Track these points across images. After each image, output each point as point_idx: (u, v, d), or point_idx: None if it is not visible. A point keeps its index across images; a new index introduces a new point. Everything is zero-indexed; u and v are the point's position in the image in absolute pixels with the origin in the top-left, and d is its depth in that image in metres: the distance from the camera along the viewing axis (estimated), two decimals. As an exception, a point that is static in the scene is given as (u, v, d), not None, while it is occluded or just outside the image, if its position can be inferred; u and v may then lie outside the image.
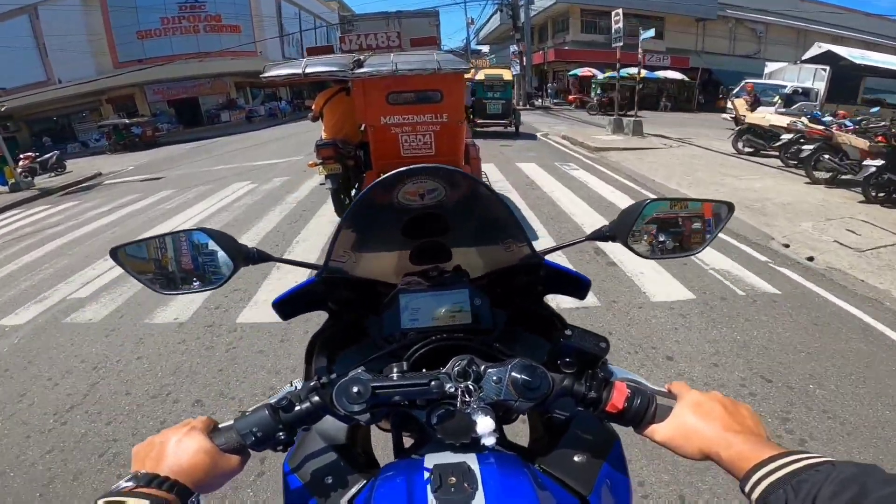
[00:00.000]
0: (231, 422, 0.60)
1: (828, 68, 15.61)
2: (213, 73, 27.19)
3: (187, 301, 3.84)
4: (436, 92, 4.57)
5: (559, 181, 7.37)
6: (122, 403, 2.68)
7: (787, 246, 4.68)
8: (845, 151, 6.77)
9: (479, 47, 37.83)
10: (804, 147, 7.16)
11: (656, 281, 3.80)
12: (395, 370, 0.63)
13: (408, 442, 0.74)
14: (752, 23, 28.46)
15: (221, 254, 0.74)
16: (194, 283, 0.76)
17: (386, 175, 0.73)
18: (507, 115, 13.13)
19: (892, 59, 16.44)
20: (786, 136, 8.16)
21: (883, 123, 6.95)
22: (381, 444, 0.85)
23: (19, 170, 13.46)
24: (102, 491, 0.47)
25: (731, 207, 0.82)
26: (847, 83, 16.64)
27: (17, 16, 23.90)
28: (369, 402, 0.58)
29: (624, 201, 5.87)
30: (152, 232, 6.24)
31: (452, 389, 0.59)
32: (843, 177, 6.79)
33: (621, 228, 0.79)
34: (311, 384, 0.61)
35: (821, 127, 7.39)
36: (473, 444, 0.59)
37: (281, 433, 0.59)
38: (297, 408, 0.60)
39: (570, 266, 0.97)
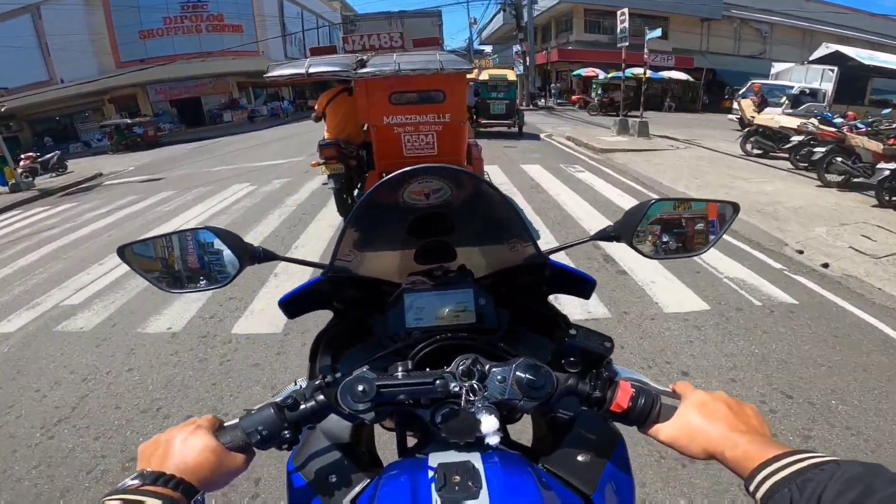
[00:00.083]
0: (236, 420, 0.60)
1: (836, 69, 15.42)
2: (216, 73, 27.13)
3: (181, 309, 3.72)
4: (438, 92, 4.57)
5: (565, 184, 7.22)
6: (111, 418, 2.58)
7: (800, 252, 4.54)
8: (858, 154, 6.63)
9: (482, 47, 37.74)
10: (816, 149, 7.01)
11: (669, 290, 3.65)
12: (399, 369, 0.62)
13: (411, 441, 0.74)
14: (758, 23, 28.25)
15: (227, 252, 0.74)
16: (200, 282, 0.76)
17: (392, 174, 0.73)
18: (510, 115, 13.14)
19: (901, 59, 16.21)
20: (796, 138, 8.00)
21: (896, 126, 6.82)
22: (385, 444, 0.84)
23: (20, 170, 13.42)
24: None
25: (736, 208, 0.81)
26: (855, 84, 16.47)
27: (19, 15, 23.89)
28: (374, 401, 0.58)
29: (631, 205, 5.63)
30: (148, 235, 6.20)
31: (457, 388, 0.59)
32: (855, 180, 6.65)
33: (626, 229, 0.78)
34: (317, 383, 0.61)
35: (833, 129, 7.24)
36: (477, 444, 0.59)
37: (286, 432, 0.59)
38: (303, 406, 0.60)
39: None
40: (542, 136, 13.64)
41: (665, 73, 24.12)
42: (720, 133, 13.25)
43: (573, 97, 25.03)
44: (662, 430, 0.57)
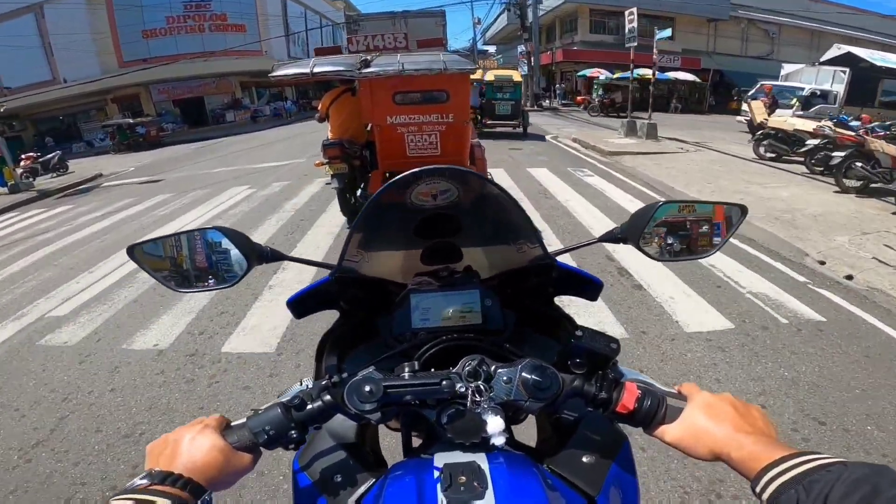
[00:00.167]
0: (243, 420, 0.60)
1: (847, 70, 15.13)
2: (219, 73, 27.00)
3: (169, 324, 3.53)
4: (442, 92, 4.60)
5: (573, 189, 6.98)
6: (92, 442, 2.43)
7: (822, 263, 4.33)
8: (877, 159, 6.40)
9: (486, 47, 37.57)
10: (834, 154, 6.76)
11: (689, 308, 3.42)
12: (406, 370, 0.62)
13: (416, 441, 0.74)
14: (765, 23, 27.97)
15: (235, 252, 0.74)
16: (209, 281, 0.76)
17: (400, 175, 0.73)
18: (515, 116, 13.16)
19: (914, 60, 15.90)
20: (812, 142, 7.75)
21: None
22: (389, 444, 0.84)
23: (20, 170, 13.32)
24: None
25: (744, 210, 0.81)
26: (866, 86, 16.20)
27: (22, 14, 23.86)
28: (381, 402, 0.58)
29: (643, 211, 5.46)
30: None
31: (463, 389, 0.59)
32: (874, 185, 6.42)
33: (633, 231, 0.78)
34: (323, 383, 0.61)
35: (851, 133, 7.00)
36: (483, 444, 0.60)
37: (293, 432, 0.58)
38: (309, 406, 0.60)
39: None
40: (547, 137, 13.44)
41: (671, 74, 23.83)
42: (730, 135, 13.00)
43: (578, 98, 24.74)
44: (668, 431, 0.57)
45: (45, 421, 2.62)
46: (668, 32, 11.00)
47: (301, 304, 0.84)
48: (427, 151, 4.80)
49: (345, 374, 0.61)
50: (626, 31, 11.24)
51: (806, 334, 3.14)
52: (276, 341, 3.13)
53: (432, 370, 0.65)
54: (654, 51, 11.17)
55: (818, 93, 15.06)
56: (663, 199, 0.80)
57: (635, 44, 11.09)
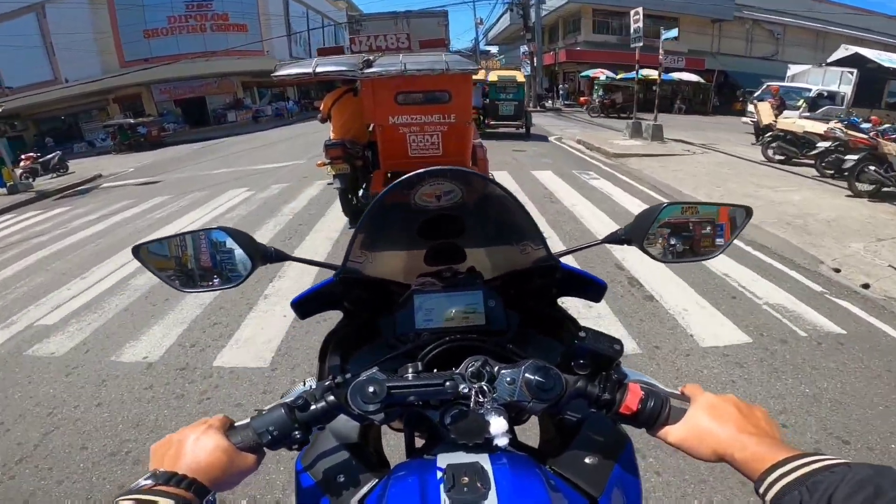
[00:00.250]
0: (247, 420, 0.60)
1: (855, 71, 14.94)
2: (220, 73, 26.92)
3: (160, 335, 3.39)
4: (444, 92, 4.62)
5: (579, 192, 6.81)
6: (77, 459, 2.32)
7: (837, 271, 4.19)
8: (890, 162, 6.24)
9: (488, 48, 37.44)
10: (847, 157, 6.60)
11: (703, 320, 3.26)
12: (409, 370, 0.62)
13: (419, 442, 0.74)
14: (770, 24, 27.75)
15: (239, 252, 0.74)
16: (213, 281, 0.77)
17: (405, 176, 0.73)
18: (518, 116, 13.19)
19: (921, 61, 15.70)
20: (822, 144, 7.59)
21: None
22: (392, 444, 0.84)
23: (20, 170, 13.25)
24: None
25: (748, 212, 0.81)
26: (873, 87, 16.01)
27: (24, 14, 23.80)
28: (384, 402, 0.58)
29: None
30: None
31: (466, 390, 0.59)
32: (886, 189, 6.28)
33: (637, 232, 0.78)
34: (327, 383, 0.61)
35: (864, 136, 6.84)
36: (486, 445, 0.59)
37: (297, 432, 0.58)
38: (313, 407, 0.59)
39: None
40: (551, 138, 13.32)
41: (675, 75, 23.65)
42: (735, 137, 12.84)
43: (581, 99, 24.56)
44: (671, 432, 0.57)
45: (29, 436, 2.52)
46: (674, 33, 10.83)
47: (305, 305, 0.84)
48: (429, 152, 4.81)
49: (348, 375, 0.61)
50: (632, 31, 11.09)
51: (826, 348, 3.00)
52: (270, 355, 2.99)
53: (435, 371, 0.65)
54: (661, 51, 11.01)
55: (825, 94, 14.87)
56: (667, 201, 0.80)
57: (641, 44, 10.94)
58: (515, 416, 0.67)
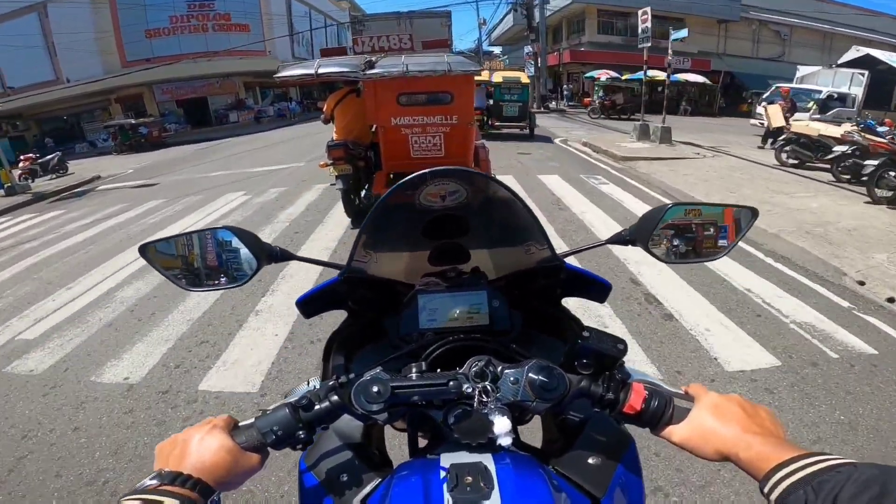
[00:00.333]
0: (252, 420, 0.59)
1: (866, 73, 14.68)
2: (222, 73, 26.80)
3: (143, 354, 3.17)
4: (446, 94, 4.61)
5: (588, 198, 6.56)
6: (51, 488, 2.19)
7: (862, 283, 3.96)
8: (910, 168, 5.99)
9: (492, 48, 37.26)
10: (866, 162, 6.35)
11: (728, 341, 3.02)
12: (413, 370, 0.62)
13: (422, 442, 0.74)
14: (776, 25, 27.45)
15: (245, 251, 0.74)
16: (220, 280, 0.77)
17: (410, 176, 0.73)
18: (523, 117, 13.15)
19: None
20: (839, 149, 7.33)
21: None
22: (393, 444, 0.83)
23: (18, 171, 13.10)
24: None
25: (754, 213, 0.80)
26: (883, 88, 15.75)
27: (26, 14, 23.71)
28: (388, 402, 0.58)
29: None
30: (120, 255, 5.44)
31: (470, 390, 0.59)
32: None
33: (641, 232, 0.78)
34: (331, 383, 0.61)
35: (883, 140, 6.59)
36: (489, 445, 0.59)
37: (301, 432, 0.58)
38: (317, 407, 0.59)
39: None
40: (556, 140, 13.11)
41: (681, 76, 23.38)
42: (744, 139, 12.61)
43: (586, 100, 24.31)
44: (675, 431, 0.56)
45: (3, 460, 2.37)
46: (684, 33, 10.57)
47: (310, 304, 0.84)
48: (431, 153, 4.80)
49: (352, 375, 0.61)
50: (640, 30, 10.86)
51: (859, 370, 2.79)
52: (259, 379, 2.76)
53: (439, 371, 0.65)
54: (669, 52, 10.76)
55: (835, 96, 14.62)
56: (671, 202, 0.79)
57: (648, 44, 10.71)
58: (519, 415, 0.67)
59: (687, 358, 2.85)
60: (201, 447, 0.54)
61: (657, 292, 3.62)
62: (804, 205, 6.01)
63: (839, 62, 16.26)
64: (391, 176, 5.05)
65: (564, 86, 28.32)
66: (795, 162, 8.56)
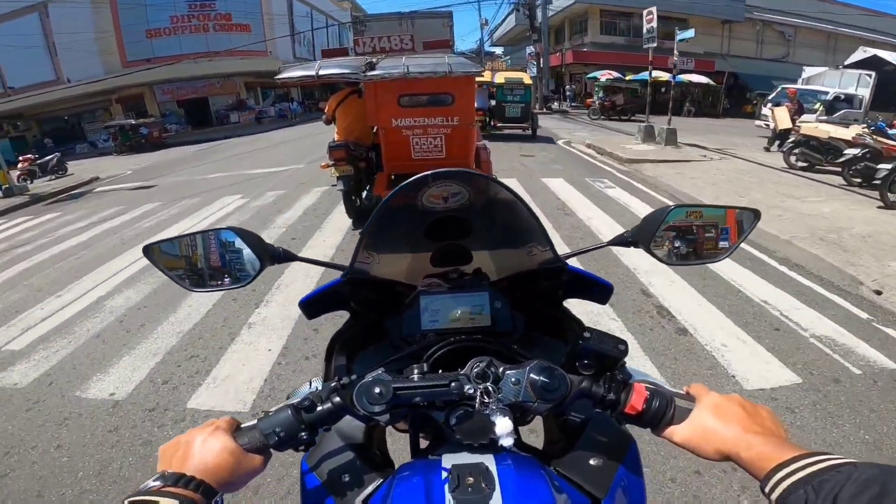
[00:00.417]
0: (254, 422, 0.60)
1: (874, 73, 14.51)
2: (223, 73, 26.70)
3: (130, 368, 3.03)
4: (447, 95, 4.60)
5: (594, 203, 6.39)
6: None
7: (879, 293, 3.82)
8: (923, 171, 5.84)
9: (494, 49, 37.14)
10: (880, 166, 6.19)
11: (745, 357, 2.87)
12: (415, 371, 0.62)
13: (423, 443, 0.74)
14: (781, 25, 27.28)
15: (248, 252, 0.75)
16: (223, 280, 0.77)
17: (412, 178, 0.73)
18: (525, 118, 13.13)
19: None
20: (850, 151, 7.17)
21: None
22: (395, 445, 0.83)
23: (17, 172, 13.00)
24: None
25: (756, 215, 0.80)
26: (889, 89, 15.57)
27: (26, 14, 23.66)
28: (390, 403, 0.58)
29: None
30: (113, 261, 5.28)
31: (471, 391, 0.59)
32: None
33: (643, 234, 0.78)
34: (332, 384, 0.61)
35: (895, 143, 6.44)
36: (491, 445, 0.60)
37: (303, 433, 0.59)
38: (319, 408, 0.59)
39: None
40: (559, 141, 12.98)
41: (685, 77, 23.21)
42: (750, 141, 12.45)
43: (588, 101, 24.18)
44: (677, 431, 0.57)
45: None
46: (691, 33, 10.42)
47: (313, 305, 0.83)
48: (432, 154, 4.79)
49: (354, 376, 0.61)
50: (644, 31, 10.71)
51: (883, 386, 2.65)
52: (251, 397, 2.62)
53: (441, 372, 0.65)
54: (675, 52, 10.61)
55: (842, 97, 14.46)
56: (674, 203, 0.79)
57: (654, 45, 10.55)
58: (520, 416, 0.67)
59: (703, 376, 2.69)
60: (204, 449, 0.54)
61: (670, 304, 3.47)
62: (816, 210, 5.85)
63: (846, 63, 16.10)
64: (392, 177, 5.07)
65: (567, 86, 28.16)
66: (805, 165, 8.39)
